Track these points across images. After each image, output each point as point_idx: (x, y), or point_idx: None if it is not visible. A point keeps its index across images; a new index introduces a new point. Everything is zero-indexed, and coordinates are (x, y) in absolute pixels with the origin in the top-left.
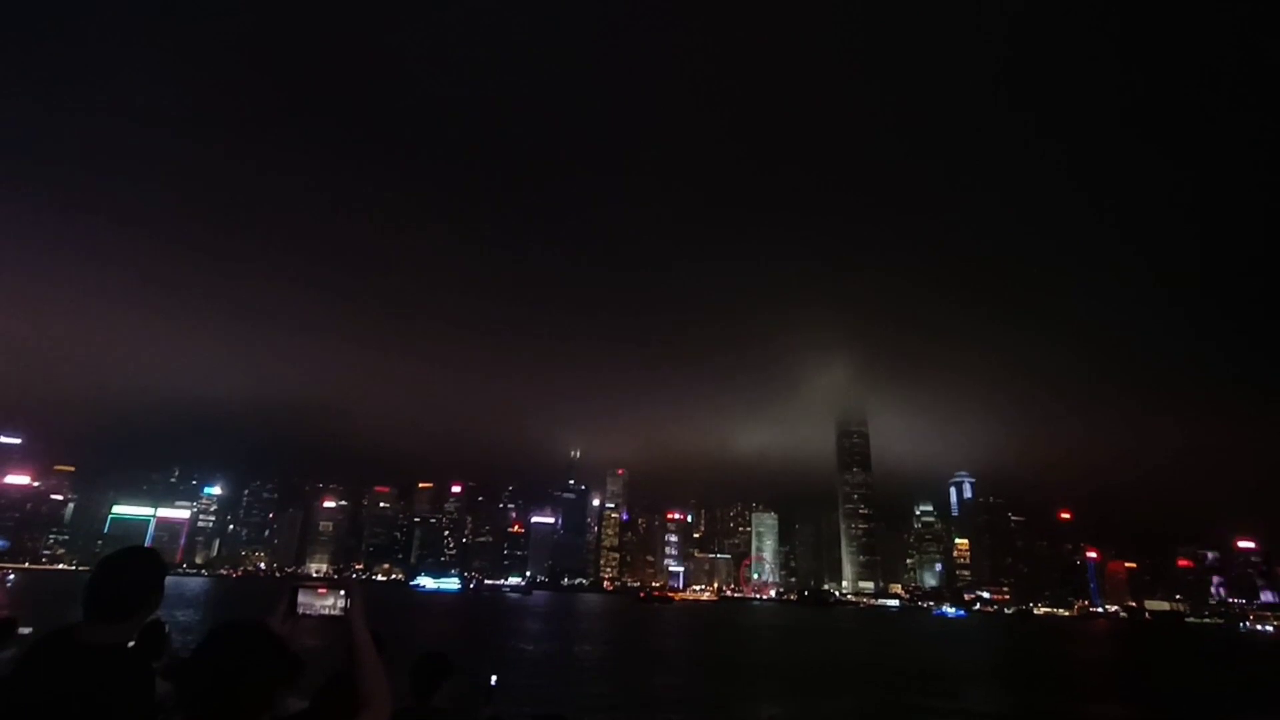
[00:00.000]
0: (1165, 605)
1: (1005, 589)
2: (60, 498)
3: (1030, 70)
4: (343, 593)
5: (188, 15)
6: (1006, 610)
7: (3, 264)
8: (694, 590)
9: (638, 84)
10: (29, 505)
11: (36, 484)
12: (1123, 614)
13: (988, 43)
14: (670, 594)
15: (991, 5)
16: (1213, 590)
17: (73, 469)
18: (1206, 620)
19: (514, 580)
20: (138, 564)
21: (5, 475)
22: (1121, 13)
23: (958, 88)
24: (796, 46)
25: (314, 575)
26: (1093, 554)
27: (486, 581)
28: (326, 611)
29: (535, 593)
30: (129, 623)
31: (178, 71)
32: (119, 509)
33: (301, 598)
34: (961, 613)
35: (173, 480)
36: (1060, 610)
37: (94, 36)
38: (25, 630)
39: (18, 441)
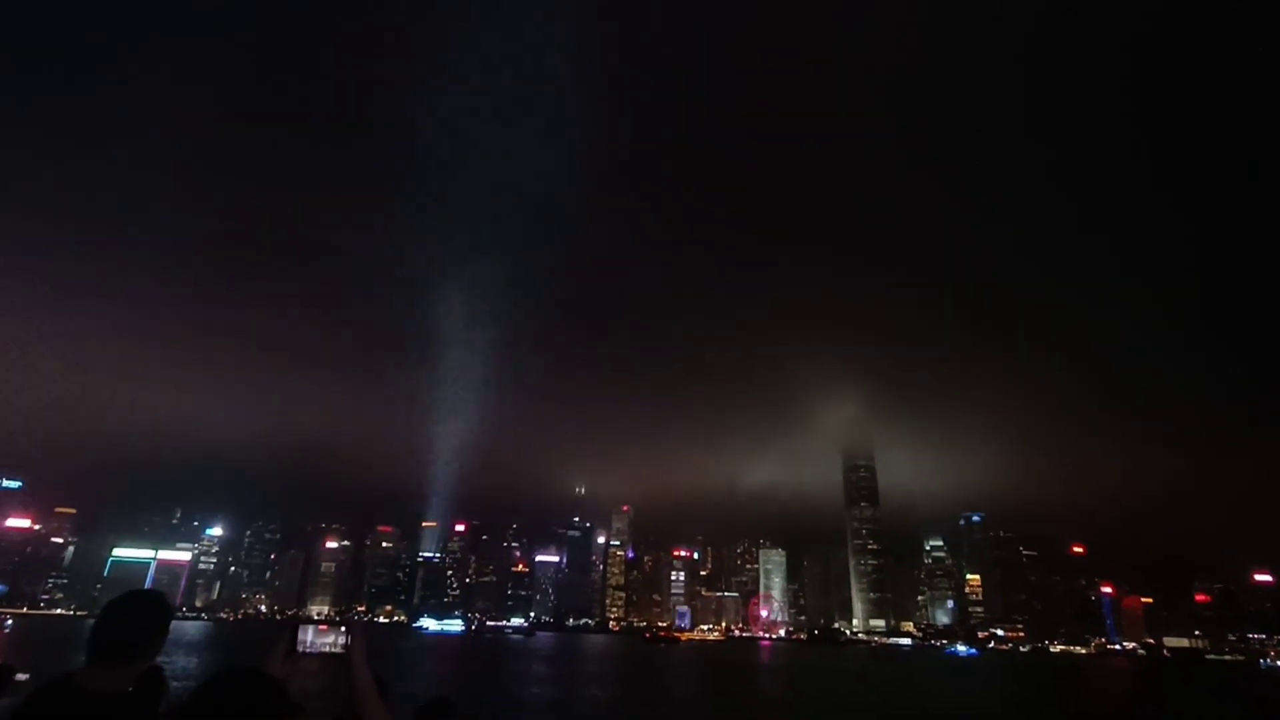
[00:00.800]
0: (1184, 642)
1: (1019, 626)
2: (61, 540)
3: (1041, 108)
4: (343, 629)
5: (204, 51)
6: (1022, 648)
7: (2, 306)
8: (701, 630)
9: (641, 116)
10: (28, 549)
11: (37, 527)
12: (1141, 651)
13: (998, 79)
14: (676, 634)
15: (1002, 38)
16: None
17: (74, 511)
18: (1227, 657)
19: (516, 621)
20: (142, 608)
21: (6, 519)
22: (1135, 47)
23: (968, 122)
24: (806, 81)
25: (315, 617)
26: (1107, 589)
27: (488, 623)
28: (327, 649)
29: (539, 634)
30: (131, 668)
31: (183, 105)
32: (119, 551)
33: (302, 635)
34: (973, 651)
35: (174, 521)
36: (1077, 648)
37: (101, 75)
38: (22, 676)
39: (19, 484)
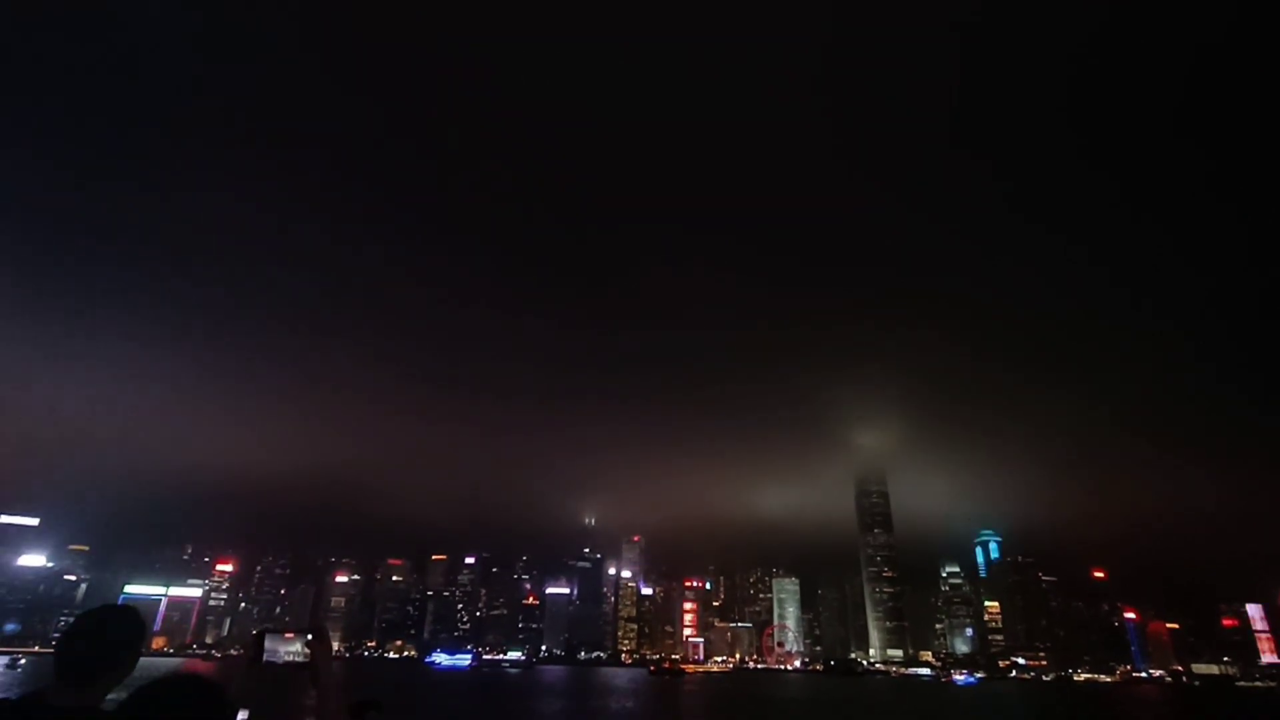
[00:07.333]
0: (1214, 668)
1: (1041, 654)
2: (74, 578)
3: (1050, 142)
4: (309, 636)
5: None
6: (1045, 677)
7: (17, 341)
8: (714, 661)
9: (665, 153)
10: (41, 587)
11: (51, 565)
12: (1168, 679)
13: (1002, 115)
14: (683, 666)
15: (1013, 82)
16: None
17: (87, 548)
18: (1257, 684)
19: (514, 654)
20: (111, 623)
21: (21, 557)
22: (1137, 82)
23: (985, 152)
24: (830, 114)
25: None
26: (1131, 614)
27: (486, 656)
28: (291, 657)
29: (542, 667)
30: (100, 685)
31: (190, 140)
32: (131, 589)
33: (268, 644)
34: (971, 679)
35: (185, 557)
36: (1102, 676)
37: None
38: None
39: (34, 522)
